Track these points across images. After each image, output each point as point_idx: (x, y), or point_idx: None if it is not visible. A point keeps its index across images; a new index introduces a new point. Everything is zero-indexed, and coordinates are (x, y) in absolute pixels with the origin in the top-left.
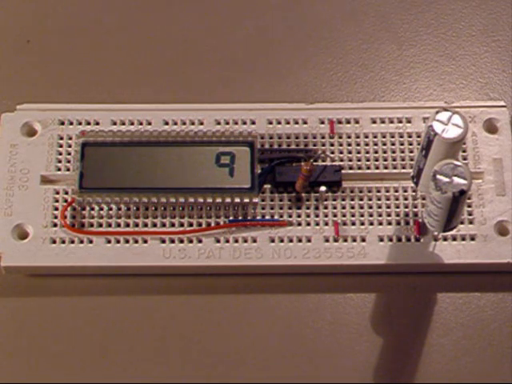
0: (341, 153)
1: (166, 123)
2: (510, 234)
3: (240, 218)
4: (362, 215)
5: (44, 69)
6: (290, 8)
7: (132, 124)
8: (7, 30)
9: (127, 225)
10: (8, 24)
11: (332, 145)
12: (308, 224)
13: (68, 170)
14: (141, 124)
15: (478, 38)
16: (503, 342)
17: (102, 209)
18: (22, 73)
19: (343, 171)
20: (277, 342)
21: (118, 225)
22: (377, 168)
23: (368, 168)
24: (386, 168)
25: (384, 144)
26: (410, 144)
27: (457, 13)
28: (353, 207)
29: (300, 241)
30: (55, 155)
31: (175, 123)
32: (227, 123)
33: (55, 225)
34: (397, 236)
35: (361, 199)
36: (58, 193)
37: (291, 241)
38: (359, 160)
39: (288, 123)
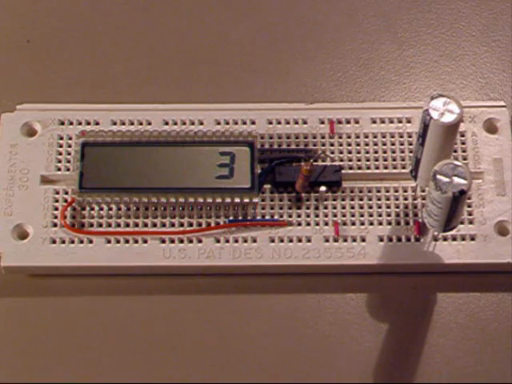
0: (341, 153)
1: (166, 123)
2: (510, 234)
3: (240, 218)
4: (362, 215)
5: (44, 69)
6: (290, 8)
7: (132, 124)
8: (7, 30)
9: (127, 225)
10: (8, 24)
11: (332, 145)
12: (308, 224)
13: (68, 170)
14: (141, 124)
15: (477, 38)
16: (503, 342)
17: (102, 209)
18: (22, 73)
19: (343, 171)
20: (277, 342)
21: (118, 225)
22: (377, 168)
23: (368, 168)
24: (385, 168)
25: (384, 144)
26: (410, 144)
27: (457, 13)
28: (353, 207)
29: (300, 241)
30: (55, 155)
31: (175, 123)
32: (227, 123)
33: (55, 225)
34: (397, 236)
35: (361, 199)
36: (57, 193)
37: (291, 241)
38: (359, 160)
39: (288, 123)
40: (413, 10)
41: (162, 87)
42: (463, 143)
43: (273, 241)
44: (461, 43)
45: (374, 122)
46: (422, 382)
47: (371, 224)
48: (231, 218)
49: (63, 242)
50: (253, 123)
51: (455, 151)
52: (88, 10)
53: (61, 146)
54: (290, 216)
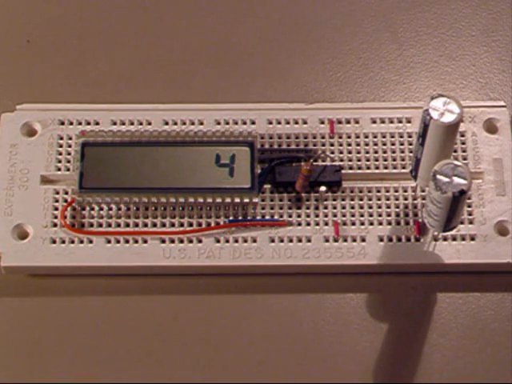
0: (341, 153)
1: (166, 123)
2: (510, 234)
3: (240, 217)
4: (362, 215)
5: (44, 69)
6: (290, 8)
7: (132, 124)
8: (7, 30)
9: (127, 225)
10: (8, 24)
11: (332, 145)
12: (308, 224)
13: (68, 170)
14: (141, 124)
15: (477, 37)
16: (503, 342)
17: (101, 209)
18: (22, 73)
19: (343, 171)
20: (277, 342)
21: (118, 225)
22: (377, 168)
23: (368, 168)
24: (385, 168)
25: (384, 144)
26: (410, 144)
27: (457, 13)
28: (353, 207)
29: (300, 241)
30: (55, 155)
31: (175, 123)
32: (227, 123)
33: (55, 225)
34: (397, 236)
35: (361, 199)
36: (58, 193)
37: (291, 241)
38: (359, 160)
39: (288, 123)
40: (413, 10)
41: (162, 87)
42: (463, 143)
43: (273, 241)
44: (461, 43)
45: (374, 122)
46: (421, 382)
47: (371, 224)
48: (231, 218)
49: (63, 242)
50: (253, 123)
51: (455, 151)
52: (88, 10)
53: (61, 146)
54: (290, 216)
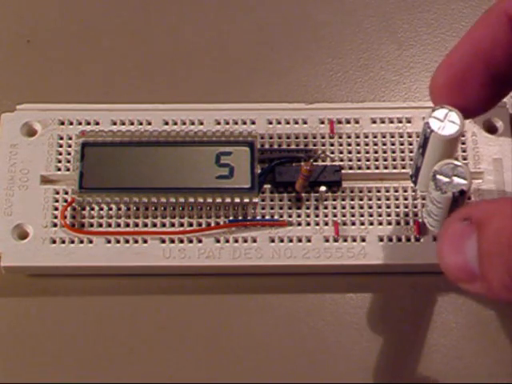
0: (341, 153)
1: (166, 123)
2: None
3: (240, 218)
4: (362, 215)
5: (44, 69)
6: (290, 8)
7: (132, 124)
8: (7, 30)
9: (127, 225)
10: (8, 24)
11: (332, 145)
12: (308, 224)
13: (68, 170)
14: (141, 124)
15: None
16: (503, 342)
17: (102, 209)
18: (22, 73)
19: (343, 171)
20: (277, 342)
21: (118, 225)
22: (377, 168)
23: (368, 168)
24: (385, 168)
25: (384, 144)
26: (410, 144)
27: (457, 13)
28: (353, 207)
29: (300, 241)
30: (55, 155)
31: (175, 123)
32: (227, 123)
33: (55, 225)
34: (397, 236)
35: (361, 199)
36: (58, 193)
37: (291, 241)
38: (359, 160)
39: (288, 123)
40: (413, 10)
41: (162, 87)
42: (463, 143)
43: (273, 241)
44: None
45: (374, 122)
46: (422, 382)
47: (371, 224)
48: (231, 218)
49: (63, 241)
50: (253, 123)
51: None
52: (88, 10)
53: (61, 146)
54: (290, 216)
